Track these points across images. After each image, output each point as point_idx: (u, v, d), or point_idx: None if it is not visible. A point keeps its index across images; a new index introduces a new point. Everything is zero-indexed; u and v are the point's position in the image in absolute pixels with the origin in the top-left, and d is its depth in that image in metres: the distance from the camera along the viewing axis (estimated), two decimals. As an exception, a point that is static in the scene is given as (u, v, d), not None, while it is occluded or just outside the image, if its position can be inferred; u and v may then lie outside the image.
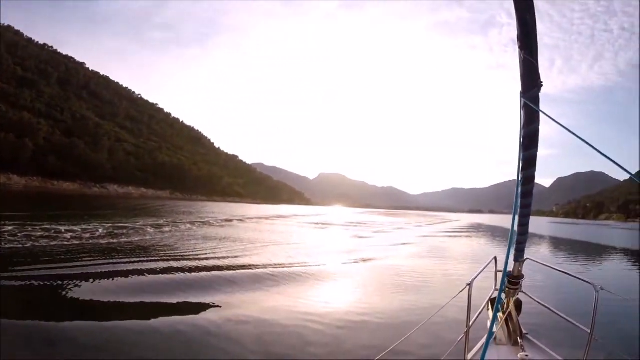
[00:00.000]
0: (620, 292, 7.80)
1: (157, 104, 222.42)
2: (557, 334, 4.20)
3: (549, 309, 2.52)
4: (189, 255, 9.60)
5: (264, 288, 6.62)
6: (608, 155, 1.16)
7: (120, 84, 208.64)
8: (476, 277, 2.22)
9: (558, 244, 23.39)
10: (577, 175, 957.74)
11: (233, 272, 7.90)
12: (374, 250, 13.03)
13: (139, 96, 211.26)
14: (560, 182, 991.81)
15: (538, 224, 60.87)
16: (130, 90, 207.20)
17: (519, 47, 1.39)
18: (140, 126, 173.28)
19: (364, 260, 10.47)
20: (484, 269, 2.38)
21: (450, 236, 23.31)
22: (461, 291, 2.16)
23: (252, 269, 8.41)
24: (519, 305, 2.71)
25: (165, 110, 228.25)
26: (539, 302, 2.63)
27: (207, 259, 9.29)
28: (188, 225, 17.91)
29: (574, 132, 1.34)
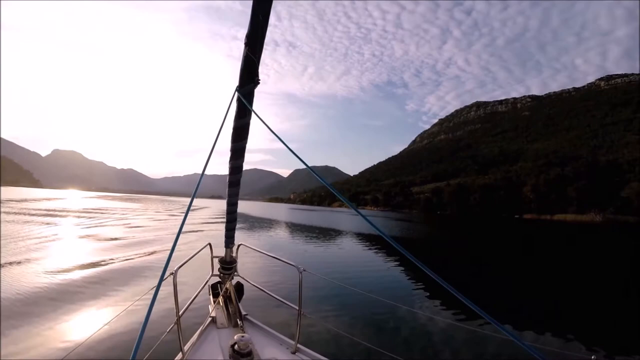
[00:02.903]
0: (322, 272, 8.42)
1: None
2: (274, 313, 4.84)
3: (264, 291, 2.65)
4: None
5: None
6: (308, 164, 1.32)
7: None
8: (182, 264, 2.10)
9: (289, 228, 24.44)
10: (312, 168, 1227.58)
11: None
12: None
13: None
14: (297, 173, 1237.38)
15: (278, 211, 64.15)
16: None
17: (245, 44, 1.50)
18: None
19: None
20: (193, 256, 2.30)
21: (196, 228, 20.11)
22: (164, 279, 1.96)
23: None
24: (240, 289, 2.81)
25: None
26: (254, 285, 2.77)
27: None
28: None
29: (279, 135, 1.49)
